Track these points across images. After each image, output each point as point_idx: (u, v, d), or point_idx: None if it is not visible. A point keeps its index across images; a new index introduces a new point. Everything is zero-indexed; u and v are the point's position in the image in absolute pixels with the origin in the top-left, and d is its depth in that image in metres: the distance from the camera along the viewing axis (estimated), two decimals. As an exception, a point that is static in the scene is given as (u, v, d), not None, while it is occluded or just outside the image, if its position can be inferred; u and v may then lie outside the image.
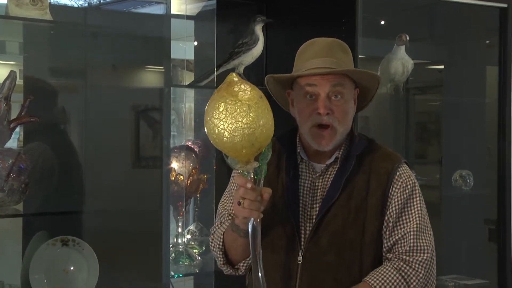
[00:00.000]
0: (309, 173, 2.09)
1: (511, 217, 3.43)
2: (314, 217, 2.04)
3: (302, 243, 2.03)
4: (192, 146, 3.35)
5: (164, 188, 2.75)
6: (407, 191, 2.04)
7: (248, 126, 1.75)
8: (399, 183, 2.05)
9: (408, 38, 3.30)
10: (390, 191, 2.04)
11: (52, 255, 2.76)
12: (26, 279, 2.71)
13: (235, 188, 2.13)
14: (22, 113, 2.60)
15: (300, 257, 2.03)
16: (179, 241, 3.16)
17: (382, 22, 3.65)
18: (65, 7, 3.18)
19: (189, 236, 3.29)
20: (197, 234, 3.33)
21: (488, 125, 3.61)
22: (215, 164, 3.37)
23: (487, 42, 3.80)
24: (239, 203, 1.86)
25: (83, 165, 3.00)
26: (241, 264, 2.12)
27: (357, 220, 2.02)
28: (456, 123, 3.79)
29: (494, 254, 3.45)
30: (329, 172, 2.08)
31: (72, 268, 2.80)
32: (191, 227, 3.34)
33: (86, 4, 3.18)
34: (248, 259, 2.09)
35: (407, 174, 2.07)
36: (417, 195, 2.07)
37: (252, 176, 1.86)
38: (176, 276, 3.01)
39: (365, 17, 2.96)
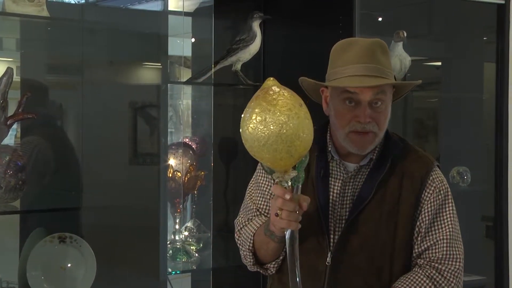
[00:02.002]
0: (340, 172, 2.04)
1: (508, 213, 3.43)
2: (344, 218, 1.99)
3: (332, 244, 1.98)
4: (190, 143, 3.35)
5: (161, 185, 2.75)
6: (440, 197, 2.01)
7: (288, 139, 1.67)
8: (433, 188, 2.00)
9: (405, 34, 3.29)
10: (423, 195, 2.00)
11: (49, 252, 2.76)
12: (23, 276, 2.71)
13: (262, 180, 2.09)
14: (19, 110, 2.60)
15: (329, 259, 1.98)
16: (177, 238, 3.16)
17: (380, 19, 3.65)
18: (62, 3, 3.17)
19: (186, 233, 3.29)
20: (194, 231, 3.33)
21: (486, 121, 3.61)
22: (212, 161, 3.37)
23: (484, 38, 3.80)
24: (276, 214, 1.80)
25: (80, 162, 3.00)
26: (271, 265, 2.07)
27: (389, 223, 1.97)
28: (453, 119, 3.79)
29: (492, 251, 3.44)
30: (361, 173, 2.02)
31: (69, 265, 2.80)
32: (189, 224, 3.34)
33: (83, 1, 3.18)
34: (278, 260, 2.04)
35: (440, 178, 2.03)
36: (450, 200, 2.03)
37: (290, 184, 1.79)
38: (173, 272, 3.01)
39: (362, 14, 2.96)
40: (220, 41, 3.31)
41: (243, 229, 2.09)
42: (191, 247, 3.20)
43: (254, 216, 2.09)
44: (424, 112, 4.12)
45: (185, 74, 3.50)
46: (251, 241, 2.04)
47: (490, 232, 3.56)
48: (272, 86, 1.73)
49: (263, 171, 2.12)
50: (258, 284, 3.18)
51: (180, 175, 3.10)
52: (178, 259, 3.07)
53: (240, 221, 2.13)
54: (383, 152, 2.03)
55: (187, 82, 3.24)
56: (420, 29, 3.82)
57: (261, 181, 2.12)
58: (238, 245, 2.12)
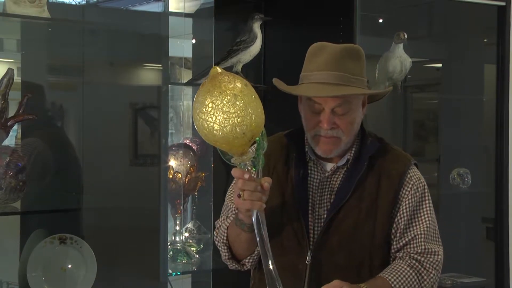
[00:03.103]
0: (317, 172, 2.08)
1: (509, 215, 3.43)
2: (323, 217, 2.02)
3: (311, 243, 2.02)
4: (190, 144, 3.35)
5: (162, 186, 2.75)
6: (418, 194, 2.05)
7: (237, 115, 1.73)
8: (410, 185, 2.04)
9: (406, 36, 3.30)
10: (401, 193, 2.04)
11: (49, 253, 2.75)
12: (23, 277, 2.71)
13: None
14: (20, 111, 2.60)
15: (308, 258, 2.01)
16: (177, 239, 3.16)
17: (380, 20, 3.65)
18: (62, 4, 3.17)
19: (187, 234, 3.29)
20: (195, 232, 3.33)
21: (486, 123, 3.61)
22: (213, 162, 3.37)
23: (485, 40, 3.80)
24: (239, 196, 1.84)
25: (80, 163, 3.00)
26: (246, 260, 2.10)
27: (367, 221, 2.01)
28: (454, 121, 3.80)
29: (492, 252, 3.45)
30: (338, 172, 2.06)
31: (70, 266, 2.80)
32: (189, 225, 3.34)
33: (84, 2, 3.18)
34: (253, 255, 2.08)
35: (417, 176, 2.07)
36: (427, 197, 2.07)
37: (249, 168, 1.83)
38: (174, 274, 3.01)
39: (363, 15, 2.96)
40: (221, 42, 3.32)
41: (220, 226, 2.12)
42: (192, 248, 3.20)
43: (232, 214, 2.11)
44: (424, 114, 4.12)
45: (186, 75, 3.50)
46: (225, 234, 2.07)
47: (490, 234, 3.56)
48: (216, 71, 1.80)
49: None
50: (258, 286, 3.18)
51: (180, 176, 3.10)
52: (178, 260, 3.08)
53: (219, 220, 2.16)
54: (360, 151, 2.06)
55: (187, 83, 3.24)
56: (421, 30, 3.83)
57: None
58: (215, 241, 2.16)
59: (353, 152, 2.06)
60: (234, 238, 2.05)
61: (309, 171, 2.08)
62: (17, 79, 2.67)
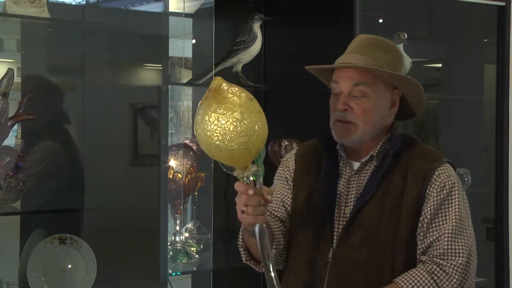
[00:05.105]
0: (346, 170, 2.07)
1: (509, 215, 3.43)
2: (348, 215, 2.01)
3: (334, 240, 2.00)
4: (190, 144, 3.34)
5: (162, 186, 2.75)
6: (444, 192, 1.98)
7: (244, 134, 1.67)
8: (437, 183, 1.98)
9: (406, 36, 3.29)
10: (428, 191, 1.98)
11: (49, 253, 2.76)
12: (23, 277, 2.71)
13: (277, 181, 2.15)
14: (20, 111, 2.60)
15: (330, 255, 1.99)
16: (177, 239, 3.16)
17: (381, 20, 3.65)
18: (63, 4, 3.18)
19: (187, 234, 3.29)
20: (195, 232, 3.33)
21: (486, 123, 3.61)
22: (213, 162, 3.36)
23: (485, 40, 3.80)
24: (242, 211, 1.81)
25: (80, 163, 3.00)
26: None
27: (391, 219, 1.96)
28: (454, 121, 3.79)
29: (492, 253, 3.44)
30: (365, 170, 2.05)
31: (69, 266, 2.80)
32: (189, 225, 3.34)
33: (84, 2, 3.18)
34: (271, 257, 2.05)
35: (446, 174, 2.00)
36: (456, 196, 1.99)
37: (252, 179, 1.80)
38: (174, 274, 3.01)
39: (363, 15, 2.96)
40: (221, 43, 3.31)
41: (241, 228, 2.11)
42: (192, 249, 3.20)
43: None
44: (424, 114, 4.12)
45: (186, 75, 3.50)
46: (241, 237, 2.07)
47: (490, 234, 3.55)
48: (220, 85, 1.71)
49: (280, 172, 2.18)
50: (258, 285, 3.18)
51: (180, 176, 3.10)
52: (178, 261, 3.07)
53: None
54: (386, 148, 2.04)
55: (187, 84, 3.24)
56: (421, 30, 3.83)
57: (276, 182, 2.17)
58: None
59: (377, 148, 2.04)
60: (247, 242, 2.04)
61: (340, 171, 2.07)
62: (17, 79, 2.67)
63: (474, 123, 3.75)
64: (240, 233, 2.06)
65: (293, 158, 2.18)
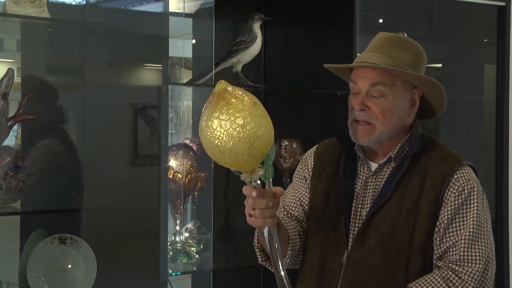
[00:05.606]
0: (364, 171, 2.04)
1: (509, 215, 3.43)
2: (364, 217, 1.98)
3: (349, 243, 1.98)
4: (190, 144, 3.34)
5: (162, 186, 2.75)
6: (463, 196, 1.93)
7: (247, 141, 1.65)
8: (456, 187, 1.93)
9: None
10: (445, 195, 1.93)
11: (49, 253, 2.76)
12: (23, 277, 2.71)
13: (295, 179, 2.14)
14: (20, 111, 2.60)
15: (344, 257, 1.97)
16: (177, 239, 3.16)
17: (381, 20, 3.65)
18: (63, 4, 3.18)
19: (187, 234, 3.29)
20: (195, 232, 3.33)
21: (486, 123, 3.61)
22: (213, 162, 3.36)
23: (485, 40, 3.80)
24: (250, 215, 1.79)
25: (80, 163, 3.00)
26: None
27: (407, 223, 1.93)
28: (454, 121, 3.79)
29: (492, 253, 3.44)
30: (383, 172, 2.01)
31: (69, 266, 2.80)
32: (189, 225, 3.34)
33: (84, 2, 3.18)
34: (286, 258, 2.03)
35: (466, 177, 1.95)
36: (475, 200, 1.93)
37: (259, 183, 1.78)
38: (174, 274, 3.01)
39: (363, 15, 2.96)
40: (221, 43, 3.31)
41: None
42: (192, 249, 3.20)
43: (280, 213, 2.10)
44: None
45: (186, 75, 3.50)
46: (256, 238, 2.05)
47: (490, 234, 3.55)
48: (224, 89, 1.69)
49: (299, 170, 2.16)
50: (258, 285, 3.18)
51: (180, 176, 3.09)
52: (178, 261, 3.07)
53: None
54: (405, 150, 2.01)
55: (187, 84, 3.24)
56: (421, 30, 3.82)
57: (295, 180, 2.16)
58: None
59: (396, 149, 2.01)
60: (263, 243, 2.01)
61: (357, 171, 2.04)
62: (17, 79, 2.67)
63: (474, 123, 3.75)
64: (256, 234, 2.04)
65: (312, 157, 2.16)
